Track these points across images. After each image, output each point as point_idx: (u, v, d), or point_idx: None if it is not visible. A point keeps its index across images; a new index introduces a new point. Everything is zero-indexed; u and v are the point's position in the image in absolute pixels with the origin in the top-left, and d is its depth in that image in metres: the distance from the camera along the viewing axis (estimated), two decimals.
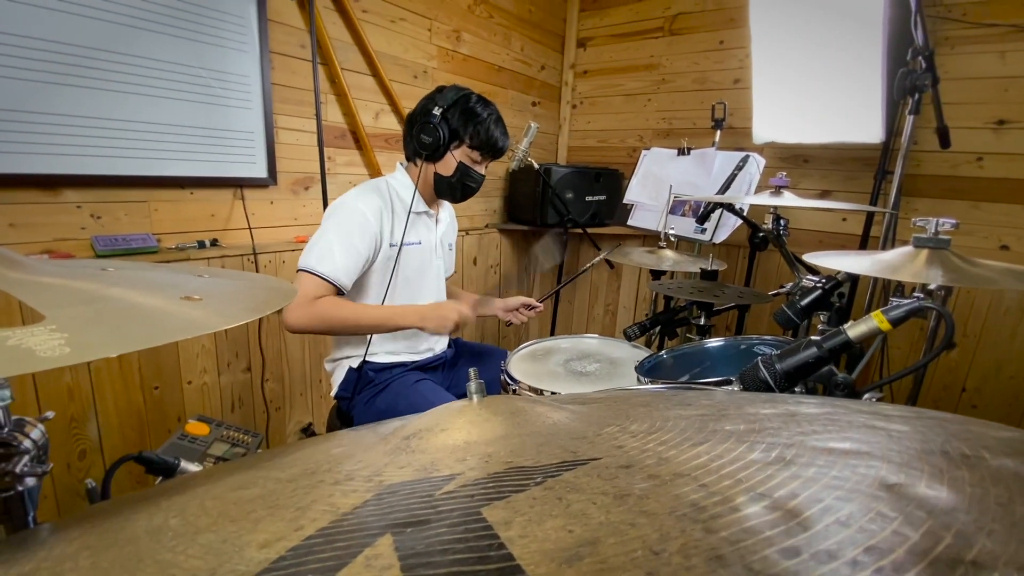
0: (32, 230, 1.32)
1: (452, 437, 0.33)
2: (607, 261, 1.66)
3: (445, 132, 1.30)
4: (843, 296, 1.92)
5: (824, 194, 2.33)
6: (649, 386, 0.98)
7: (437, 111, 1.29)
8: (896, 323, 0.55)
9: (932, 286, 0.69)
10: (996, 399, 2.05)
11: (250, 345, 1.76)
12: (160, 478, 0.68)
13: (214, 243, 1.64)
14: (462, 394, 1.33)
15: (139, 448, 1.51)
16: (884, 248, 1.41)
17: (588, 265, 1.76)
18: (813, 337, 0.61)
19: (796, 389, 0.65)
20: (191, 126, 1.55)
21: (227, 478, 0.35)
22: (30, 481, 0.50)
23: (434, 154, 1.32)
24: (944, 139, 1.40)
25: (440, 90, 1.34)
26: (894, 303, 0.84)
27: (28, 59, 1.24)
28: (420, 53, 2.22)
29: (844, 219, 2.30)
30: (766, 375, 0.62)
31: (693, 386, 0.92)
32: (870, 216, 2.02)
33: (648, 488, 0.22)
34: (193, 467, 0.62)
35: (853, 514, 0.18)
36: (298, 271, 1.25)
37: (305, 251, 1.26)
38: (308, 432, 1.98)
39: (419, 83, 2.22)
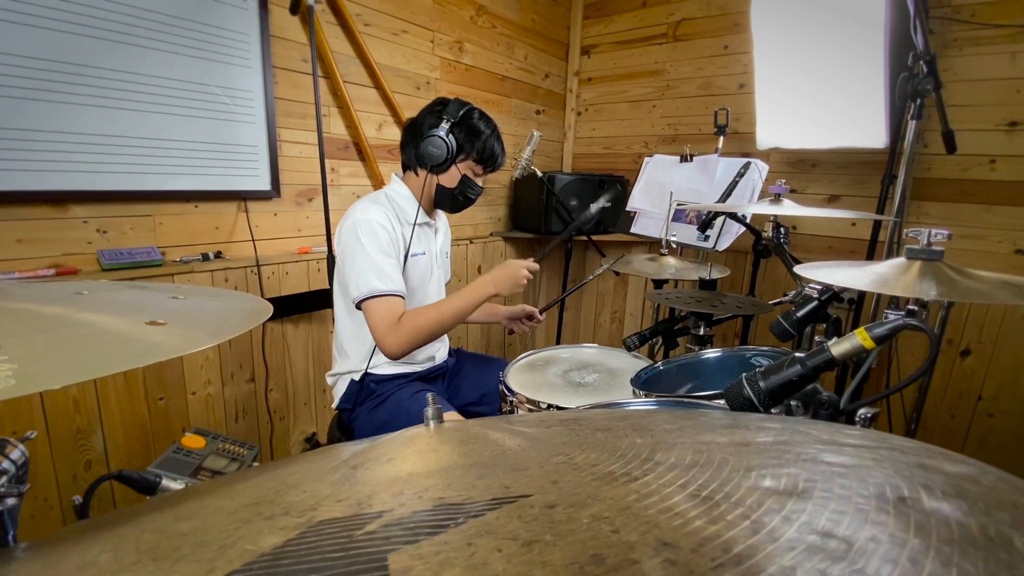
0: (40, 245, 1.35)
1: (397, 468, 0.32)
2: (614, 270, 1.65)
3: (453, 146, 1.31)
4: (853, 303, 1.88)
5: (832, 199, 2.30)
6: (641, 400, 0.97)
7: (445, 124, 1.30)
8: (880, 341, 0.54)
9: (928, 299, 0.67)
10: (1014, 407, 1.99)
11: (254, 356, 1.78)
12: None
13: (218, 255, 1.67)
14: (464, 404, 1.33)
15: (144, 459, 1.54)
16: (888, 256, 1.37)
17: (591, 276, 1.75)
18: (797, 354, 0.60)
19: (782, 406, 0.64)
20: (195, 141, 1.58)
21: (180, 506, 0.35)
22: (9, 501, 0.51)
23: (440, 166, 1.33)
24: (949, 144, 1.37)
25: (443, 103, 1.35)
26: (890, 315, 0.82)
27: (36, 79, 1.28)
28: (423, 64, 2.24)
29: (853, 224, 2.26)
30: (750, 393, 0.61)
31: (685, 400, 0.90)
32: (878, 221, 1.98)
33: (561, 533, 0.21)
34: (175, 484, 0.63)
35: (752, 568, 0.17)
36: (363, 302, 1.26)
37: (355, 282, 1.27)
38: (312, 442, 1.99)
39: (422, 94, 2.24)
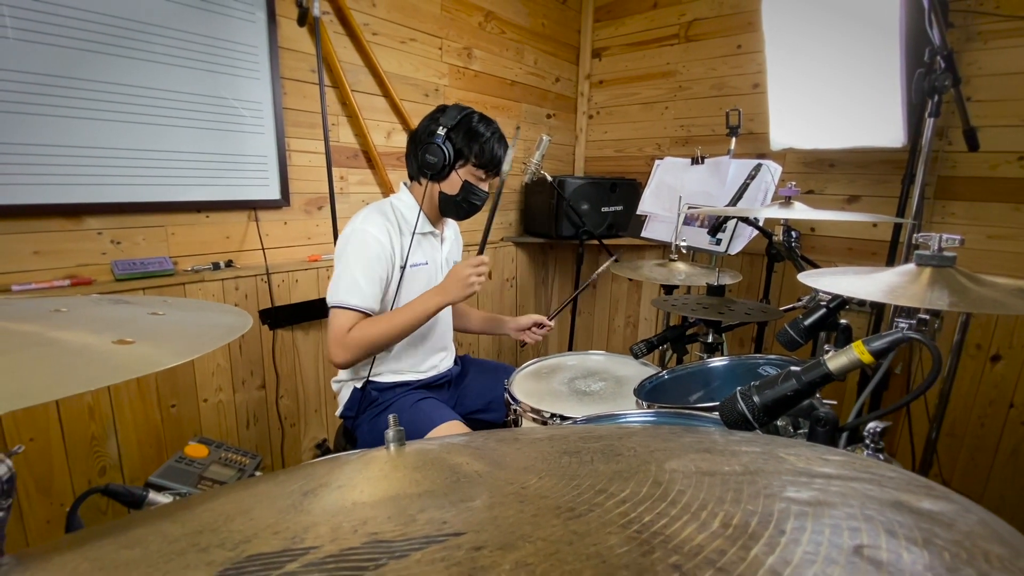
0: (56, 257, 1.39)
1: (344, 496, 0.31)
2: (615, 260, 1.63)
3: (450, 152, 1.31)
4: (874, 307, 1.81)
5: (852, 200, 2.23)
6: (640, 412, 0.94)
7: (441, 131, 1.30)
8: (879, 355, 0.51)
9: (938, 309, 0.63)
10: None
11: (264, 363, 1.80)
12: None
13: (229, 264, 1.69)
14: (469, 412, 1.32)
15: (157, 466, 1.56)
16: (907, 261, 1.32)
17: (594, 275, 1.71)
18: (793, 368, 0.57)
19: (779, 423, 0.61)
20: (206, 152, 1.61)
21: (133, 530, 0.34)
22: None
23: (439, 173, 1.32)
24: (972, 141, 1.31)
25: (441, 110, 1.35)
26: (900, 324, 0.78)
27: (51, 95, 1.32)
28: (431, 72, 2.24)
29: (875, 224, 2.18)
30: (743, 408, 0.59)
31: (684, 412, 0.88)
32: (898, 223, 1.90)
33: None
34: (162, 498, 0.63)
35: None
36: (330, 308, 1.29)
37: (331, 287, 1.30)
38: (323, 448, 2.01)
39: (430, 101, 2.25)
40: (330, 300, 1.29)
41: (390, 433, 0.38)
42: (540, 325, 1.63)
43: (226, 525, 0.31)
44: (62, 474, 1.39)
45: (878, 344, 0.51)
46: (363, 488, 0.32)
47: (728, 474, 0.30)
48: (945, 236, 0.68)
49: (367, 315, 1.28)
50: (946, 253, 0.68)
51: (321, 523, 0.28)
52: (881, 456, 0.72)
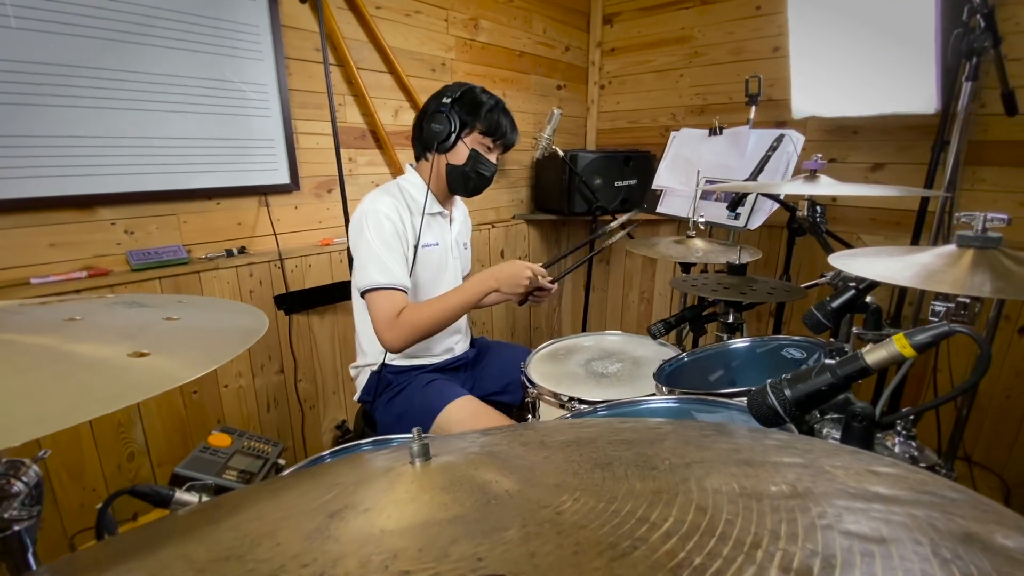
0: (71, 248, 1.39)
1: (371, 521, 0.30)
2: (629, 234, 1.53)
3: (455, 121, 1.29)
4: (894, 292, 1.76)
5: (876, 168, 2.14)
6: (662, 398, 0.92)
7: (446, 100, 1.30)
8: (921, 349, 0.48)
9: (981, 296, 0.60)
10: None
11: (282, 347, 1.82)
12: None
13: (242, 251, 1.69)
14: (487, 394, 1.32)
15: (183, 451, 1.59)
16: (938, 233, 1.27)
17: (608, 240, 1.58)
18: (827, 361, 0.55)
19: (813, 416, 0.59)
20: (213, 138, 1.59)
21: (155, 554, 0.34)
22: (23, 523, 0.52)
23: (445, 143, 1.30)
24: (1010, 105, 1.23)
25: (445, 87, 1.35)
26: (936, 307, 0.75)
27: (58, 85, 1.30)
28: (437, 45, 2.18)
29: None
30: (774, 402, 0.57)
31: (707, 398, 0.86)
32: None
33: None
34: (189, 497, 0.63)
35: None
36: (365, 294, 1.27)
37: (359, 273, 1.29)
38: (342, 429, 2.04)
39: (437, 76, 2.19)
40: (363, 285, 1.26)
41: (414, 448, 0.36)
42: (542, 288, 1.57)
43: (252, 552, 0.30)
44: (92, 460, 1.42)
45: (921, 338, 0.48)
46: (390, 513, 0.31)
47: (776, 496, 0.29)
48: (991, 215, 0.64)
49: (404, 292, 1.27)
50: (991, 234, 0.64)
51: (349, 555, 0.27)
52: (914, 443, 0.70)
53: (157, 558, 0.32)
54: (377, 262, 1.25)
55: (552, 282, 1.54)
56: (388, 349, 1.27)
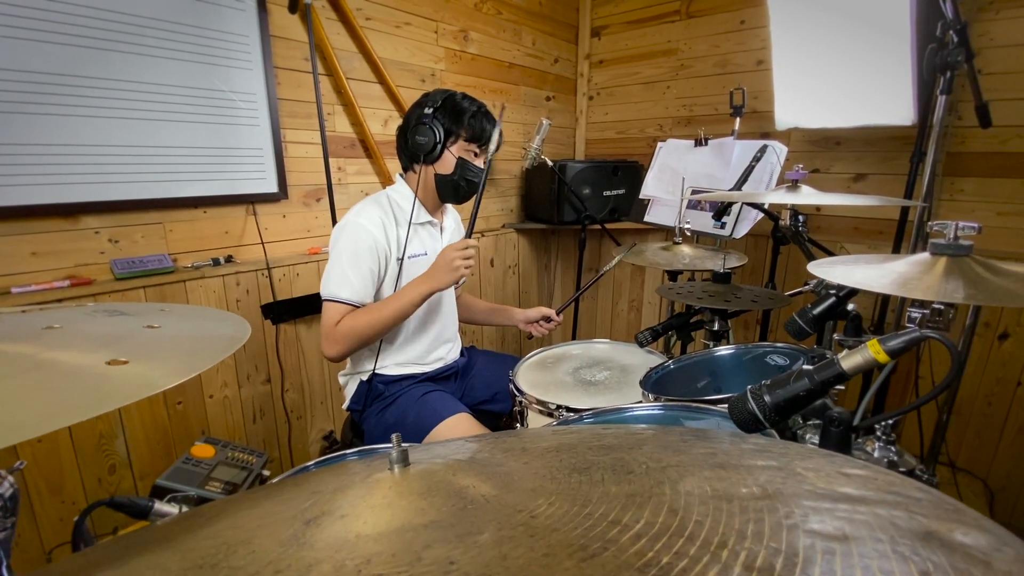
0: (55, 257, 1.38)
1: (347, 528, 0.30)
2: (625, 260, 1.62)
3: (440, 130, 1.30)
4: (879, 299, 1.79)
5: (858, 178, 2.19)
6: (647, 404, 0.93)
7: (428, 111, 1.30)
8: (895, 354, 0.49)
9: (954, 302, 0.61)
10: None
11: (268, 357, 1.80)
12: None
13: (229, 260, 1.68)
14: (476, 403, 1.31)
15: (166, 463, 1.57)
16: (916, 242, 1.29)
17: (605, 268, 1.71)
18: (805, 367, 0.56)
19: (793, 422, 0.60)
20: (201, 147, 1.59)
21: (128, 562, 0.33)
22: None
23: (431, 153, 1.31)
24: (984, 118, 1.27)
25: (425, 96, 1.36)
26: (913, 313, 0.77)
27: (42, 93, 1.29)
28: (427, 56, 2.20)
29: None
30: (754, 408, 0.57)
31: (692, 405, 0.87)
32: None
33: None
34: (168, 508, 0.63)
35: None
36: (322, 302, 1.29)
37: (323, 280, 1.30)
38: (330, 439, 2.02)
39: (427, 86, 2.20)
40: (322, 294, 1.29)
41: (393, 454, 0.36)
42: (548, 320, 1.62)
43: (227, 560, 0.30)
44: (72, 472, 1.40)
45: (895, 344, 0.49)
46: (366, 518, 0.31)
47: (746, 498, 0.29)
48: (962, 224, 0.66)
49: (357, 308, 1.27)
50: (962, 242, 0.66)
51: (324, 560, 0.27)
52: (893, 448, 0.71)
53: (131, 568, 0.31)
54: (339, 274, 1.27)
55: (557, 313, 1.58)
56: (327, 357, 1.30)
